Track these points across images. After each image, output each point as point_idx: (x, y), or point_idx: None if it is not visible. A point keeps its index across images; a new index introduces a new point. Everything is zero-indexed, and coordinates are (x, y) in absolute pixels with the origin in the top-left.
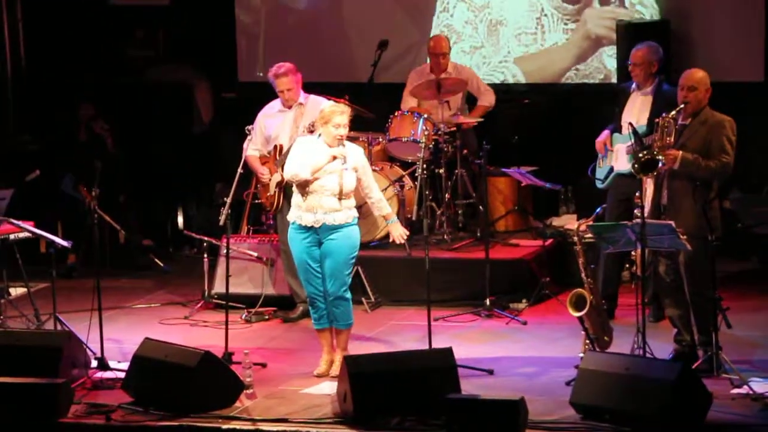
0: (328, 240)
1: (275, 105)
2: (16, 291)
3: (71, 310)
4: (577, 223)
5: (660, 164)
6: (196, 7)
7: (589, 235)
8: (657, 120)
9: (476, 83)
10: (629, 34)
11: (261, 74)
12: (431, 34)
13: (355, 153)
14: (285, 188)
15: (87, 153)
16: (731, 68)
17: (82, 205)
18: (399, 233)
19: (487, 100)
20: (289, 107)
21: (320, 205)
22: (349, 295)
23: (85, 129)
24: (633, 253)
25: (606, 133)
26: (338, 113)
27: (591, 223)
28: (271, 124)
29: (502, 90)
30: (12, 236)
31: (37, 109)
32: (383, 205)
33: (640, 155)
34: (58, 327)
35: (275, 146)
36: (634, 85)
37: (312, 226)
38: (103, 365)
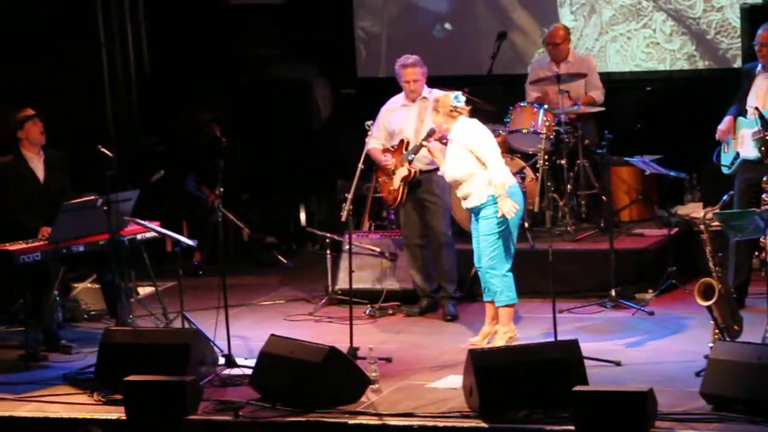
0: (476, 220)
1: (398, 99)
2: (144, 290)
3: (198, 308)
4: (704, 211)
5: None
6: (313, 4)
7: (716, 223)
8: None
9: (591, 77)
10: (754, 16)
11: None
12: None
13: (462, 132)
14: (410, 184)
15: (208, 153)
16: None
17: (205, 204)
18: (507, 208)
19: (596, 94)
20: (413, 101)
21: (458, 195)
22: (497, 272)
23: (204, 132)
24: (762, 239)
25: (728, 119)
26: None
27: (718, 210)
28: (395, 118)
29: (623, 78)
30: (139, 236)
31: (160, 110)
32: (491, 176)
33: None
34: (186, 325)
35: (401, 140)
36: (759, 67)
37: (467, 209)
38: (231, 362)
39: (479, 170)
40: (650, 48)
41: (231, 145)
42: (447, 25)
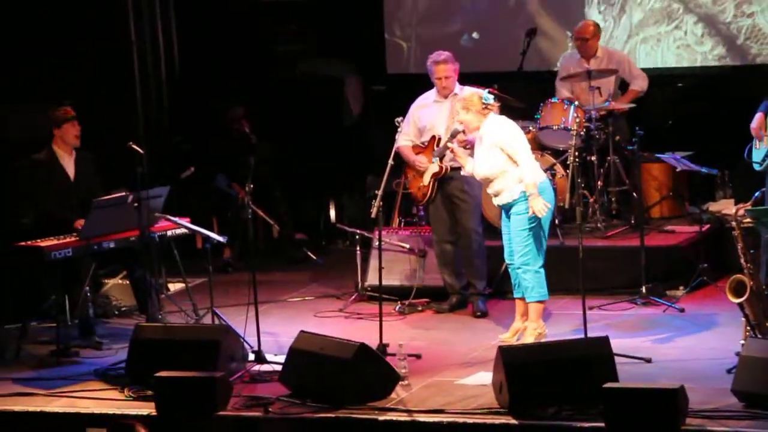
0: (506, 216)
1: (430, 96)
2: (174, 286)
3: (228, 305)
4: (735, 208)
5: None
6: (343, 0)
7: (748, 220)
8: None
9: (628, 68)
10: None
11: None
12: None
13: (491, 130)
14: (440, 180)
15: (239, 150)
16: None
17: (235, 201)
18: (539, 207)
19: (639, 85)
20: (445, 97)
21: (489, 192)
22: (530, 268)
23: (234, 129)
24: None
25: (759, 116)
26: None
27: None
28: (426, 114)
29: (654, 73)
30: (169, 233)
31: (191, 107)
32: (522, 175)
33: None
34: (216, 321)
35: (433, 137)
36: None
37: (498, 205)
38: (260, 358)
39: (511, 167)
40: (681, 50)
41: (261, 141)
42: (474, 35)
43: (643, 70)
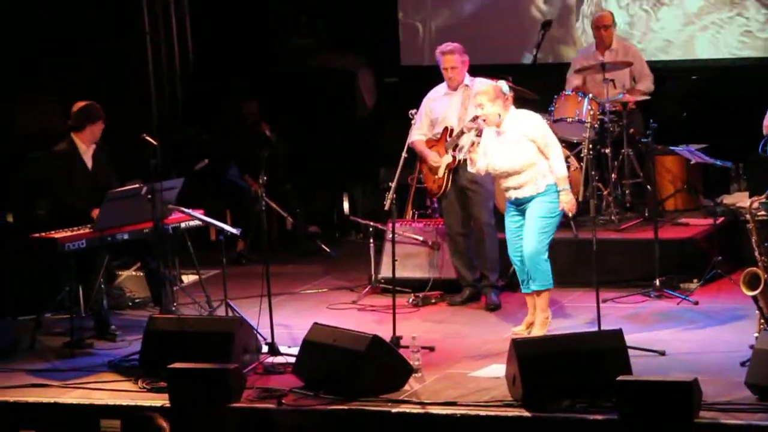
0: (527, 207)
1: (440, 89)
2: (188, 278)
3: (241, 297)
4: (750, 201)
5: None
6: None
7: (763, 213)
8: None
9: (639, 65)
10: None
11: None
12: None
13: (520, 122)
14: (454, 171)
15: (252, 143)
16: None
17: (249, 193)
18: (571, 204)
19: (645, 85)
20: (455, 89)
21: (507, 185)
22: (542, 257)
23: (246, 122)
24: None
25: None
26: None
27: (764, 200)
28: (438, 107)
29: (668, 67)
30: (183, 224)
31: (204, 100)
32: (554, 168)
33: None
34: (230, 313)
35: (445, 128)
36: None
37: (515, 199)
38: (274, 350)
39: (539, 159)
40: (744, 36)
41: (274, 134)
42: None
43: (657, 63)
